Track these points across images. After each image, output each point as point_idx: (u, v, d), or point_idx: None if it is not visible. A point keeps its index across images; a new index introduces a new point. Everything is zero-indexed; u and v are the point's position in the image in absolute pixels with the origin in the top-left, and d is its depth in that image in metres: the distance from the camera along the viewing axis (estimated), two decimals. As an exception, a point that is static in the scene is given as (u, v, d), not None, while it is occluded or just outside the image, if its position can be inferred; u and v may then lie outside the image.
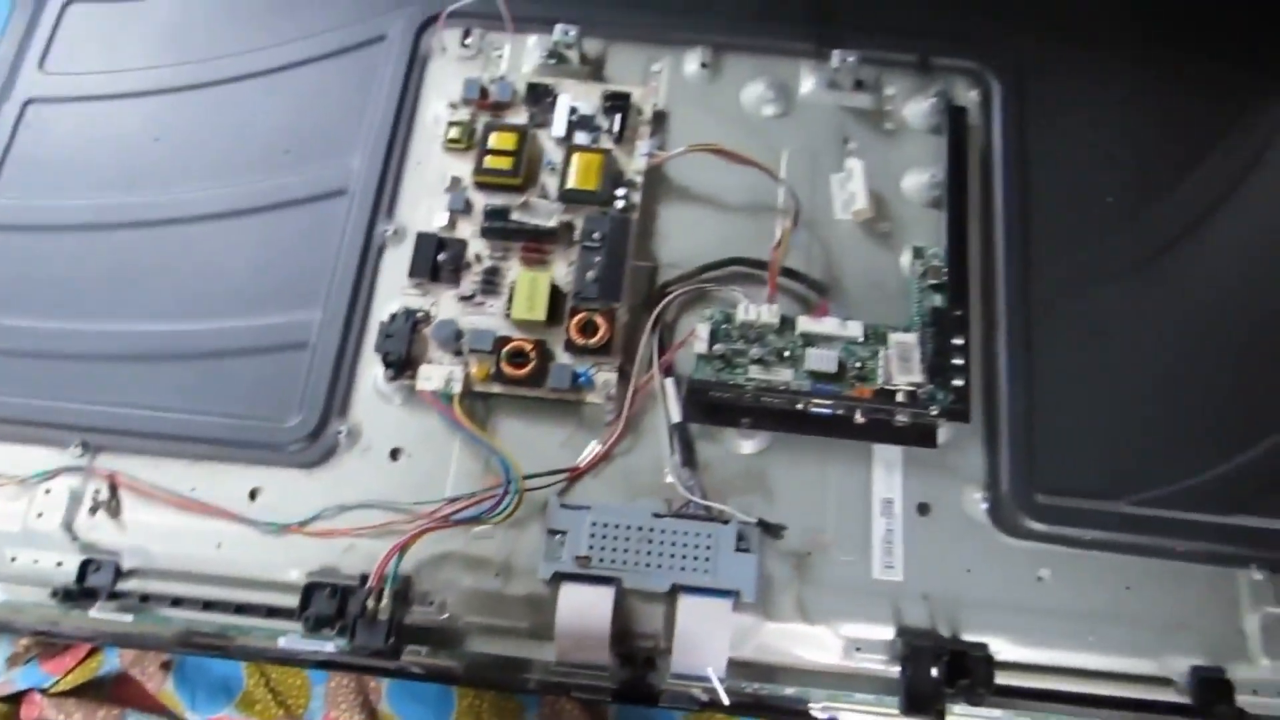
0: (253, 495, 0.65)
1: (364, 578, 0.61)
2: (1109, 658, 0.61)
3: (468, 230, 0.70)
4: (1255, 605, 0.62)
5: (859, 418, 0.64)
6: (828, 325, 0.66)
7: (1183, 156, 0.74)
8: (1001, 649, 0.60)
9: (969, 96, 0.77)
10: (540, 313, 0.66)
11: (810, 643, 0.61)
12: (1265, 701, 0.60)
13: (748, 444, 0.66)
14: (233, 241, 0.73)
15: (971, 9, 0.80)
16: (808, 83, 0.77)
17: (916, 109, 0.76)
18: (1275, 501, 0.64)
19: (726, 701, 0.60)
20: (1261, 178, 0.74)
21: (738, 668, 0.60)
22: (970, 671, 0.58)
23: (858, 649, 0.61)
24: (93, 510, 0.65)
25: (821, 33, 0.78)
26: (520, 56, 0.79)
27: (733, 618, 0.60)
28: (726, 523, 0.62)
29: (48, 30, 0.83)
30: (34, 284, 0.72)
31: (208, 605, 0.62)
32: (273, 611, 0.62)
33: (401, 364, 0.66)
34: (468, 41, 0.79)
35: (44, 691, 0.73)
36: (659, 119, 0.76)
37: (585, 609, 0.60)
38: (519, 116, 0.74)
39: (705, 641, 0.59)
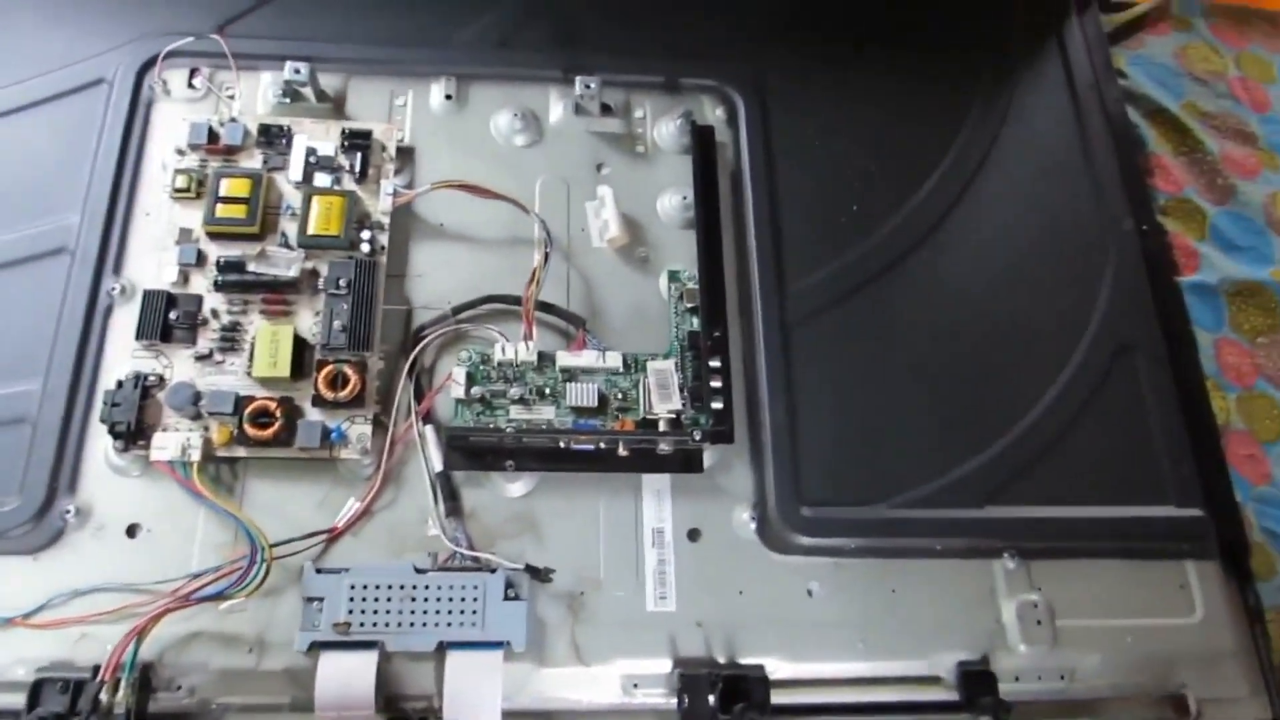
0: (-32, 589, 0.58)
1: (95, 670, 0.55)
2: (880, 663, 0.61)
3: (202, 284, 0.65)
4: (1010, 593, 0.64)
5: (623, 450, 0.62)
6: (586, 358, 0.64)
7: (919, 161, 0.77)
8: (777, 668, 0.59)
9: (715, 115, 0.76)
10: (284, 368, 0.61)
11: (587, 685, 0.59)
12: (1026, 687, 0.62)
13: (515, 486, 0.63)
14: (-66, 313, 0.65)
15: (714, 28, 0.80)
16: (557, 109, 0.75)
17: (666, 130, 0.75)
18: (1021, 490, 0.67)
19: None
20: (988, 177, 0.77)
21: (517, 718, 0.57)
22: (747, 694, 0.58)
23: (635, 685, 0.59)
24: None
25: (569, 58, 0.76)
26: (254, 95, 0.73)
27: (503, 669, 0.57)
28: (493, 571, 0.59)
29: None
30: None
31: (-78, 720, 0.55)
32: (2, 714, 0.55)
33: (132, 434, 0.60)
34: (195, 82, 0.73)
35: None
36: (404, 155, 0.72)
37: (346, 678, 0.56)
38: (252, 160, 0.69)
39: (476, 697, 0.56)
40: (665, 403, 0.62)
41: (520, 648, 0.57)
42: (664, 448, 0.62)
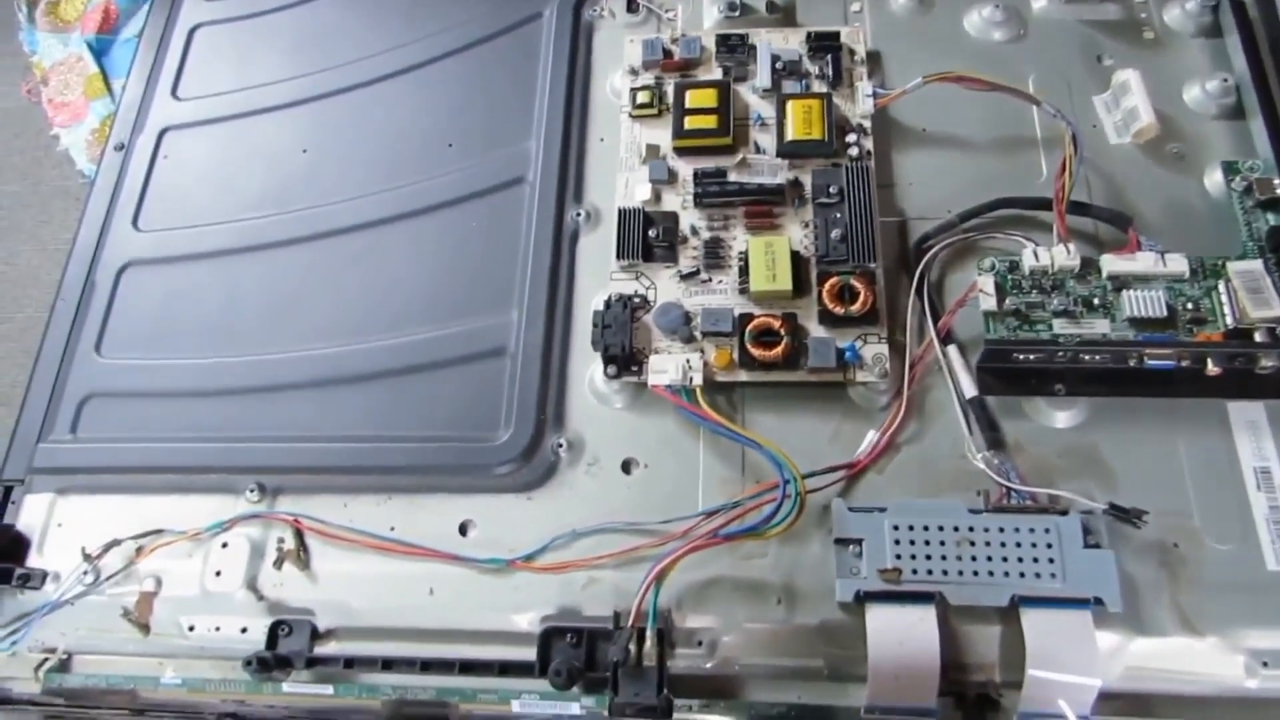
0: (463, 529, 0.51)
1: (616, 617, 0.46)
2: None
3: (675, 202, 0.56)
4: None
5: (1211, 368, 0.47)
6: (1143, 262, 0.50)
7: None
8: None
9: (1238, -10, 0.61)
10: (785, 281, 0.51)
11: (1198, 660, 0.44)
12: None
13: (1063, 415, 0.50)
14: (403, 247, 0.60)
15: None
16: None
17: (1178, 11, 0.60)
18: None
19: (1093, 744, 0.43)
20: None
21: (1105, 702, 0.43)
22: None
23: (1264, 664, 0.44)
24: (277, 563, 0.51)
25: (1049, -57, 0.63)
26: (697, 14, 0.65)
27: (1096, 634, 0.43)
28: (1064, 513, 0.46)
29: (177, 57, 0.72)
30: (185, 317, 0.60)
31: (425, 666, 0.48)
32: (505, 668, 0.47)
33: (625, 358, 0.52)
34: (635, 6, 0.66)
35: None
36: (871, 60, 0.61)
37: (903, 636, 0.44)
38: (711, 74, 0.60)
39: (1066, 668, 0.43)
40: (1262, 309, 0.47)
41: (1116, 607, 0.43)
42: (1268, 363, 0.47)
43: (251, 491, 0.53)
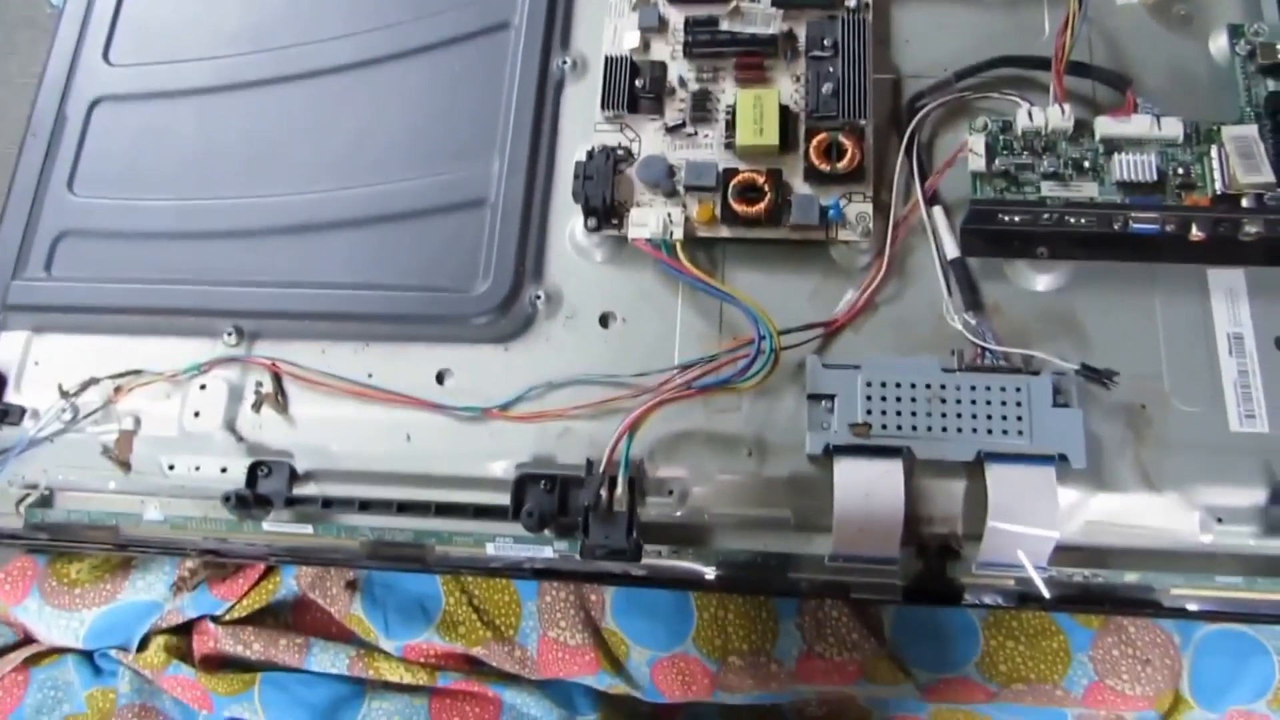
0: (440, 378, 0.51)
1: (589, 464, 0.47)
2: None
3: (664, 52, 0.54)
4: None
5: (1195, 233, 0.47)
6: (1136, 125, 0.49)
7: None
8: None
9: None
10: (772, 136, 0.50)
11: (1155, 516, 0.45)
12: None
13: (1044, 278, 0.50)
14: (385, 92, 0.58)
15: None
16: None
17: None
18: None
19: (1047, 594, 0.45)
20: None
21: (1062, 554, 0.45)
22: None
23: (1219, 520, 0.45)
24: (255, 406, 0.52)
25: None
26: None
27: (1058, 489, 0.44)
28: (1036, 373, 0.46)
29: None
30: (161, 157, 0.59)
31: (401, 508, 0.49)
32: (480, 511, 0.48)
33: (606, 211, 0.51)
34: None
35: (216, 619, 0.61)
36: (873, -90, 0.58)
37: (869, 488, 0.45)
38: (705, -84, 0.58)
39: (1026, 520, 0.44)
40: (1252, 175, 0.46)
41: (1079, 464, 0.44)
42: (1252, 229, 0.47)
43: (229, 335, 0.53)
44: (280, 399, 0.52)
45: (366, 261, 0.54)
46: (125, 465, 0.52)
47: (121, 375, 0.52)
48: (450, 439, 0.50)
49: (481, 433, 0.50)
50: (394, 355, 0.52)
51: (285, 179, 0.57)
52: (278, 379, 0.52)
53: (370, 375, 0.52)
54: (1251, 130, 0.48)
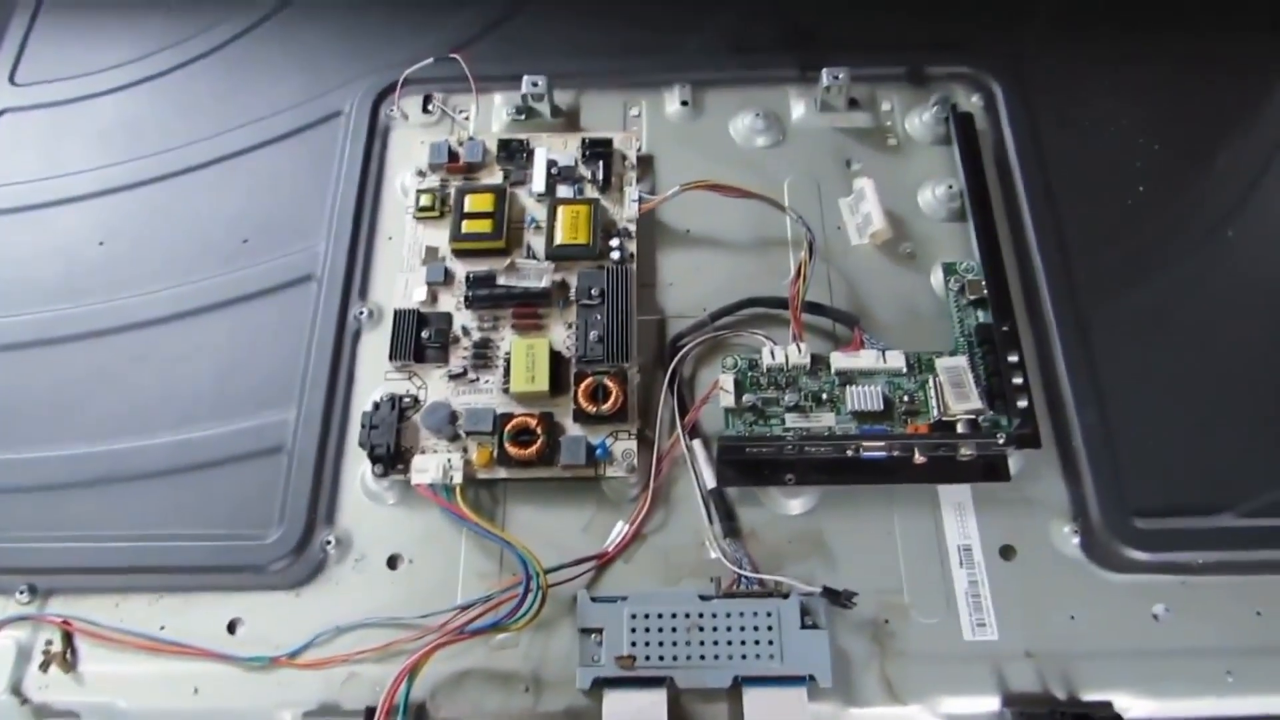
0: (231, 628, 0.52)
1: (370, 711, 0.48)
2: (1255, 698, 0.48)
3: (450, 303, 0.59)
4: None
5: (918, 457, 0.52)
6: (865, 358, 0.55)
7: (1209, 135, 0.65)
8: (1129, 705, 0.48)
9: (971, 102, 0.67)
10: (543, 382, 0.54)
11: (904, 727, 0.49)
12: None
13: (795, 503, 0.54)
14: (192, 344, 0.61)
15: (957, 12, 0.71)
16: (798, 108, 0.68)
17: (918, 121, 0.66)
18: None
19: (812, 809, 0.47)
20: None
21: (822, 767, 0.47)
22: (1098, 737, 0.46)
23: (956, 727, 0.49)
24: (43, 666, 0.51)
25: (804, 56, 0.68)
26: (488, 116, 0.69)
27: (809, 709, 0.47)
28: (786, 596, 0.50)
29: (-22, 143, 0.72)
30: (-31, 414, 0.60)
31: (187, 767, 0.49)
32: (265, 765, 0.49)
33: (391, 458, 0.54)
34: (430, 107, 0.69)
35: None
36: (644, 163, 0.65)
37: (635, 717, 0.47)
38: (493, 177, 0.64)
39: (781, 741, 0.47)
40: (963, 402, 0.52)
41: (826, 683, 0.47)
42: (966, 452, 0.52)
43: (21, 593, 0.53)
44: (69, 657, 0.52)
45: (164, 513, 0.55)
46: (-95, 738, 0.51)
47: (-94, 642, 0.52)
48: (238, 689, 0.51)
49: (270, 682, 0.51)
50: (187, 605, 0.53)
51: (89, 432, 0.58)
52: (68, 636, 0.52)
53: (163, 627, 0.52)
54: (961, 361, 0.54)
